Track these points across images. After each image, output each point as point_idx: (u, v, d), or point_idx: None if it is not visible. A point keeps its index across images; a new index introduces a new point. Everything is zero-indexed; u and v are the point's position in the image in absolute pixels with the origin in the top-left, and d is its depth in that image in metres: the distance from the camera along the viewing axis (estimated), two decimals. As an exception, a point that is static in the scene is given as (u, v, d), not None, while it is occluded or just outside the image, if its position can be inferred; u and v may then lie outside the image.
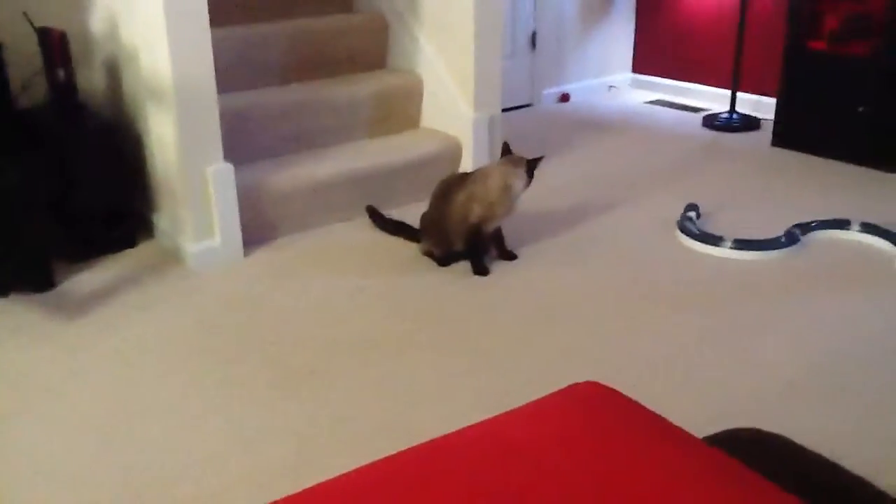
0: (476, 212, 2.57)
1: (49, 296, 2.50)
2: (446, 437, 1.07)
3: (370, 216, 2.96)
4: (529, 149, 3.82)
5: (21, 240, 2.49)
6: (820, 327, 2.28)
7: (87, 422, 1.90)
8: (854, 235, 2.83)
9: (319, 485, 0.99)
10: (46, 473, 1.73)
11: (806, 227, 2.85)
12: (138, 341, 2.25)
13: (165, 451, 1.79)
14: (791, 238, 2.77)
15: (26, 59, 2.74)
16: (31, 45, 2.69)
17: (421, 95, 3.46)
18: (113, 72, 2.91)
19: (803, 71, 3.73)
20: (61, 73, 2.64)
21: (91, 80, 3.00)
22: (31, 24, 2.68)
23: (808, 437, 1.22)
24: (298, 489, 0.98)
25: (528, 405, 1.14)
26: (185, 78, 2.50)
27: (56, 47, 2.61)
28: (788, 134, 3.85)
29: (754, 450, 1.18)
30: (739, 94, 4.38)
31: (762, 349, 2.18)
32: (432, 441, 1.06)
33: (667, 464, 0.99)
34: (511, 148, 2.68)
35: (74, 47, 2.74)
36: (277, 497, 0.97)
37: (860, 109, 3.53)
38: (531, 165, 2.60)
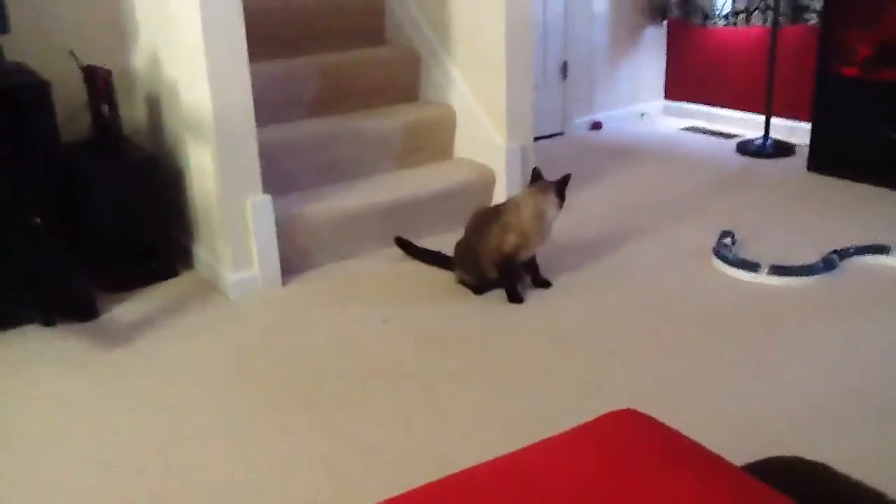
0: (510, 241, 2.59)
1: (92, 326, 2.56)
2: (479, 468, 1.08)
3: (400, 247, 2.98)
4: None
5: (65, 272, 2.55)
6: (858, 353, 2.25)
7: (123, 450, 1.93)
8: (894, 261, 2.80)
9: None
10: (88, 498, 1.76)
11: (844, 253, 2.82)
12: (176, 370, 2.28)
13: (198, 480, 1.81)
14: (829, 264, 2.75)
15: (71, 93, 2.83)
16: (76, 81, 2.78)
17: (453, 126, 3.50)
18: (154, 107, 2.99)
19: (836, 96, 3.71)
20: (105, 109, 2.72)
21: (133, 115, 3.08)
22: (78, 62, 2.77)
23: (845, 464, 1.21)
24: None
25: (564, 433, 1.14)
26: (225, 112, 2.56)
27: (101, 85, 2.70)
28: (823, 159, 3.82)
29: (795, 478, 1.17)
30: (773, 120, 4.36)
31: (800, 376, 2.15)
32: (465, 471, 1.07)
33: (707, 493, 0.99)
34: (541, 173, 2.69)
35: (118, 83, 2.82)
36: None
37: (895, 135, 3.50)
38: (560, 187, 2.61)
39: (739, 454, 1.29)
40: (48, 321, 2.55)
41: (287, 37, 3.49)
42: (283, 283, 2.80)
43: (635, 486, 0.99)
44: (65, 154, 2.70)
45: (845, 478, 1.15)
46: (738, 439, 1.87)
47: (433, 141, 3.46)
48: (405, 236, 3.02)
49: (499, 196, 3.29)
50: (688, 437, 1.12)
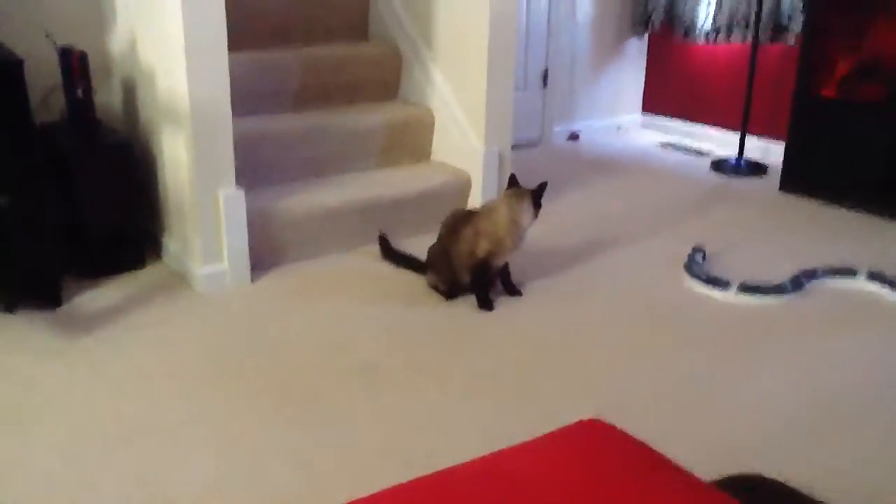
0: (484, 247, 2.58)
1: (56, 313, 2.51)
2: (448, 471, 1.07)
3: (380, 245, 2.97)
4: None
5: (29, 256, 2.50)
6: (822, 372, 2.27)
7: (87, 440, 1.89)
8: (860, 284, 2.84)
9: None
10: (43, 491, 1.72)
11: (812, 274, 2.86)
12: (142, 361, 2.25)
13: (165, 473, 1.78)
14: (796, 284, 2.78)
15: (45, 74, 2.78)
16: (51, 61, 2.73)
17: (432, 128, 3.49)
18: (130, 92, 2.94)
19: (813, 116, 3.75)
20: (79, 92, 2.68)
21: (109, 100, 3.04)
22: (54, 43, 2.72)
23: (806, 481, 1.22)
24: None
25: (532, 441, 1.14)
26: (202, 101, 2.53)
27: (76, 66, 2.65)
28: (796, 180, 3.87)
29: (756, 495, 1.17)
30: (748, 139, 4.41)
31: (765, 392, 2.17)
32: (433, 474, 1.06)
33: (670, 502, 0.98)
34: (518, 180, 2.68)
35: (94, 66, 2.77)
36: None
37: (869, 156, 3.55)
38: (536, 195, 2.61)
39: (706, 467, 1.29)
40: (10, 307, 2.50)
41: (270, 27, 3.46)
42: (254, 279, 2.77)
43: (599, 496, 0.99)
44: (36, 135, 2.65)
45: (805, 497, 1.16)
46: (704, 453, 1.88)
47: (411, 142, 3.45)
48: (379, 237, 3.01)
49: (474, 201, 3.28)
50: (654, 450, 1.12)
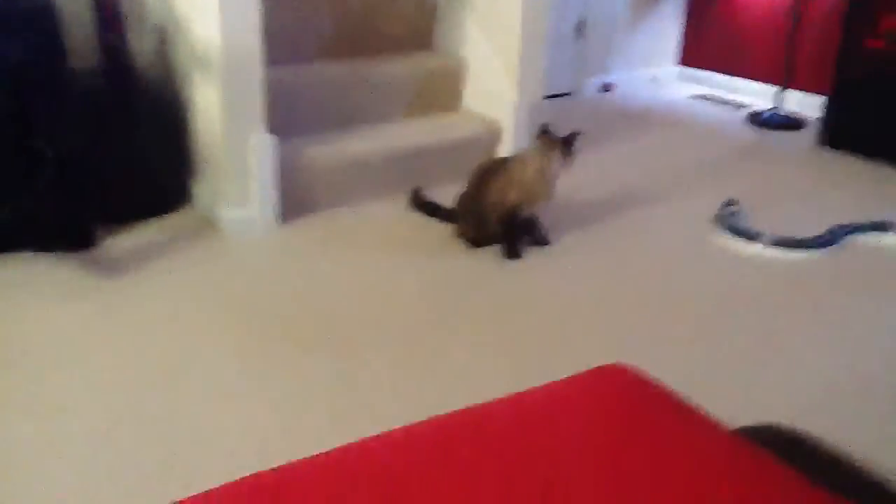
0: (512, 196, 2.57)
1: (90, 255, 2.55)
2: (469, 410, 1.08)
3: (412, 196, 2.97)
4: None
5: (64, 199, 2.54)
6: (857, 329, 2.25)
7: (117, 382, 1.93)
8: (893, 240, 2.78)
9: (337, 449, 1.00)
10: (75, 430, 1.77)
11: (847, 228, 2.81)
12: (170, 305, 2.28)
13: (196, 414, 1.82)
14: (831, 237, 2.73)
15: (79, 20, 2.78)
16: (85, 7, 2.73)
17: (464, 78, 3.46)
18: (163, 38, 2.94)
19: (859, 70, 3.64)
20: (113, 38, 2.68)
21: (142, 46, 3.04)
22: (86, -13, 2.72)
23: (837, 438, 1.21)
24: (324, 449, 0.99)
25: (554, 383, 1.14)
26: (233, 47, 2.52)
27: (109, 12, 2.65)
28: (836, 134, 3.77)
29: (783, 444, 1.17)
30: (789, 92, 4.30)
31: (795, 348, 2.15)
32: (454, 412, 1.07)
33: (691, 448, 0.99)
34: (549, 129, 2.64)
35: (127, 12, 2.77)
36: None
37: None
38: (567, 143, 2.57)
39: (733, 422, 1.29)
40: (46, 247, 2.55)
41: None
42: (282, 225, 2.79)
43: (622, 437, 0.99)
44: (71, 80, 2.67)
45: (829, 447, 1.16)
46: (733, 406, 1.87)
47: (443, 91, 3.42)
48: (409, 186, 3.00)
49: (505, 151, 3.26)
50: (676, 394, 1.12)
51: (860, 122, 3.68)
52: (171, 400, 1.86)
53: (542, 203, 2.63)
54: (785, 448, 1.16)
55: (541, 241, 2.72)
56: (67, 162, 2.52)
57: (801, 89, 4.36)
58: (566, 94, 4.67)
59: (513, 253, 2.62)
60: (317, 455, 0.98)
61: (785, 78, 4.17)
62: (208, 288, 2.38)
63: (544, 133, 2.61)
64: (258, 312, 2.26)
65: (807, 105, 4.31)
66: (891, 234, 2.80)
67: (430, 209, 2.91)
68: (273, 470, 0.96)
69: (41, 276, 2.42)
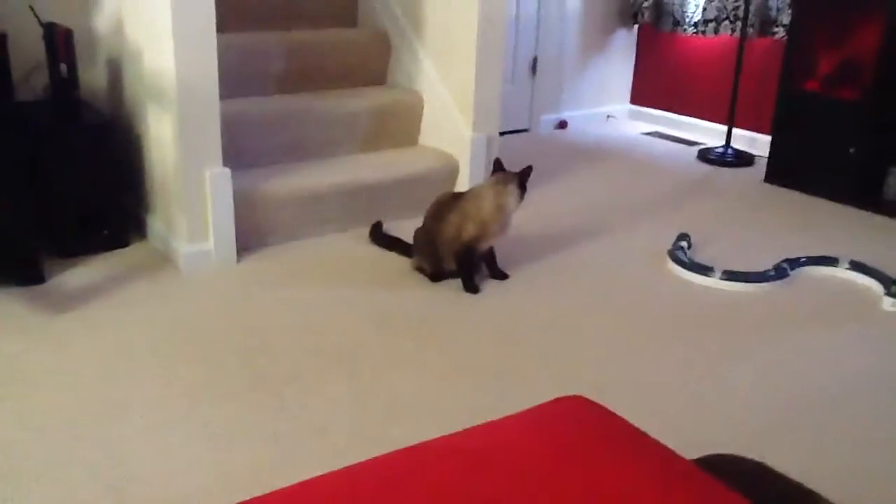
0: (469, 231, 2.58)
1: (37, 290, 2.49)
2: (419, 446, 1.07)
3: (371, 230, 2.97)
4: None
5: (9, 234, 2.48)
6: (804, 361, 2.29)
7: (63, 417, 1.88)
8: (842, 273, 2.86)
9: (291, 486, 0.98)
10: (18, 466, 1.71)
11: (795, 263, 2.88)
12: (121, 339, 2.24)
13: (140, 451, 1.77)
14: (780, 272, 2.79)
15: (29, 51, 2.75)
16: (35, 38, 2.70)
17: (420, 113, 3.49)
18: (116, 70, 2.92)
19: (797, 111, 3.78)
20: (64, 69, 2.65)
21: (93, 78, 3.01)
22: (38, 18, 2.69)
23: (785, 467, 1.23)
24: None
25: (511, 416, 1.14)
26: (189, 80, 2.51)
27: (60, 43, 2.62)
28: (781, 171, 3.89)
29: (735, 474, 1.18)
30: (735, 130, 4.43)
31: (744, 379, 2.18)
32: (405, 449, 1.06)
33: (649, 479, 0.99)
34: (503, 164, 2.68)
35: (79, 44, 2.75)
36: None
37: (851, 151, 3.58)
38: (522, 179, 2.60)
39: (684, 451, 1.30)
40: (-9, 282, 2.48)
41: (258, 10, 3.44)
42: (238, 259, 2.76)
43: (580, 469, 0.99)
44: (19, 112, 2.62)
45: (783, 476, 1.17)
46: (684, 437, 1.90)
47: (399, 126, 3.44)
48: (366, 221, 3.00)
49: (462, 186, 3.28)
50: (635, 427, 1.12)
51: (801, 160, 3.80)
52: (116, 436, 1.81)
53: (497, 237, 2.64)
54: (740, 478, 1.17)
55: (498, 275, 2.73)
56: (14, 195, 2.47)
57: (745, 128, 4.49)
58: (523, 131, 4.74)
59: (471, 287, 2.63)
60: (268, 494, 0.96)
61: (731, 116, 4.29)
62: (160, 323, 2.33)
63: (498, 168, 2.64)
64: (211, 348, 2.22)
65: (756, 143, 4.44)
66: (836, 267, 2.87)
67: (389, 243, 2.91)
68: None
69: (-14, 312, 2.35)
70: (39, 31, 2.68)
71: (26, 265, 2.52)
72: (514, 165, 2.73)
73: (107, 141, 2.72)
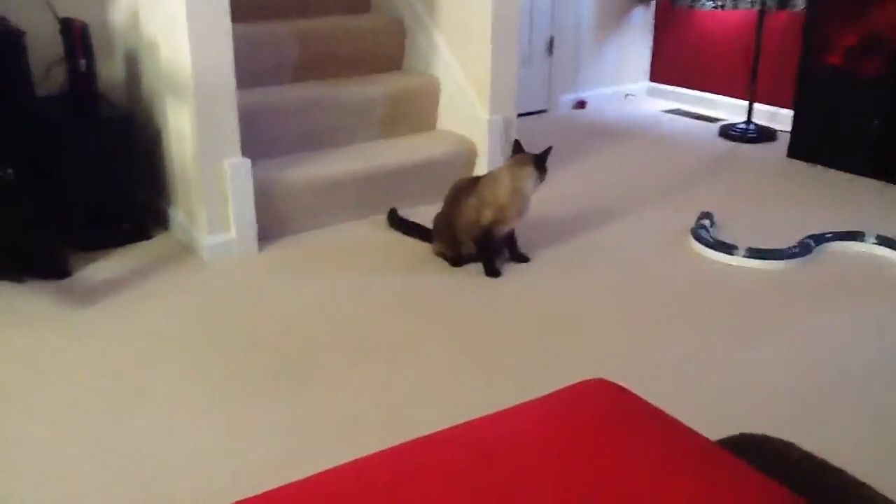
0: (488, 216, 2.57)
1: (63, 284, 2.52)
2: (442, 433, 1.07)
3: (389, 216, 2.98)
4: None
5: (34, 228, 2.51)
6: (831, 337, 2.27)
7: (91, 409, 1.91)
8: (868, 248, 2.82)
9: (311, 477, 0.98)
10: (47, 457, 1.74)
11: (820, 238, 2.84)
12: (146, 331, 2.26)
13: (161, 443, 1.79)
14: (805, 248, 2.76)
15: (48, 47, 2.76)
16: (53, 34, 2.72)
17: (437, 97, 3.47)
18: (133, 64, 2.93)
19: (819, 84, 3.72)
20: (82, 64, 2.67)
21: (111, 72, 3.02)
22: (55, 13, 2.71)
23: (811, 445, 1.22)
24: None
25: (534, 400, 1.14)
26: (205, 71, 2.51)
27: (77, 38, 2.64)
28: (804, 146, 3.84)
29: (762, 454, 1.17)
30: (756, 106, 4.37)
31: (772, 357, 2.17)
32: (427, 436, 1.06)
33: (674, 461, 0.99)
34: (522, 146, 2.66)
35: (96, 38, 2.76)
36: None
37: (875, 122, 3.52)
38: (540, 160, 2.58)
39: (711, 432, 1.29)
40: (18, 278, 2.51)
41: (272, 0, 3.43)
42: (260, 248, 2.78)
43: (604, 452, 0.99)
44: (39, 107, 2.65)
45: (809, 455, 1.16)
46: (709, 418, 1.89)
47: (416, 111, 3.43)
48: (385, 207, 3.00)
49: (480, 169, 3.27)
50: (657, 407, 1.12)
51: (823, 134, 3.74)
52: (142, 428, 1.83)
53: (516, 220, 2.63)
54: (765, 458, 1.17)
55: (519, 258, 2.72)
56: (36, 190, 2.50)
57: (766, 103, 4.43)
58: (541, 112, 4.71)
59: (491, 271, 2.63)
60: (293, 483, 0.97)
61: (751, 93, 4.23)
62: (186, 314, 2.35)
63: (518, 150, 2.63)
64: (236, 338, 2.23)
65: (778, 118, 4.38)
66: (862, 242, 2.83)
67: (409, 228, 2.91)
68: (254, 498, 0.94)
69: (14, 306, 2.38)
70: (57, 26, 2.69)
71: (51, 260, 2.54)
72: (533, 147, 2.72)
73: (126, 134, 2.74)
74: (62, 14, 2.72)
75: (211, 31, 2.49)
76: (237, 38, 2.63)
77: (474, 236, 2.61)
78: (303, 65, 3.32)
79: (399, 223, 2.94)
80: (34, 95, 2.54)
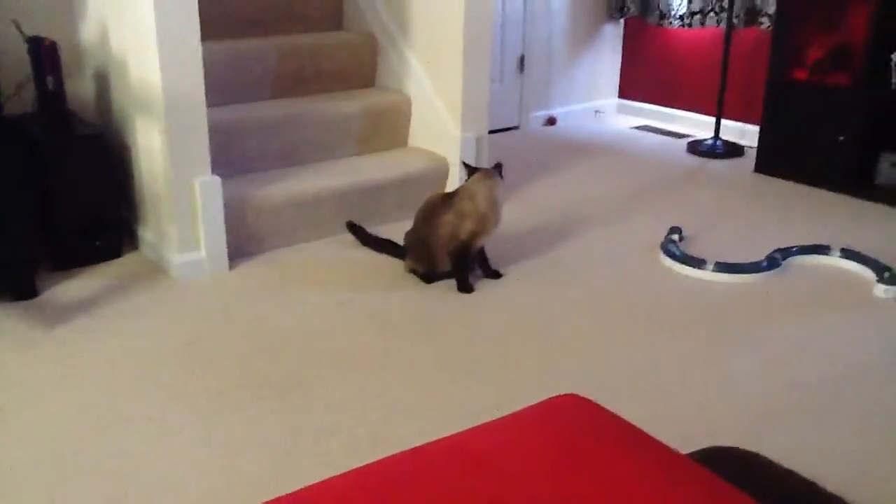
0: (468, 227, 2.59)
1: (31, 304, 2.49)
2: (420, 448, 1.07)
3: (351, 231, 2.98)
4: (516, 170, 3.85)
5: (4, 247, 2.48)
6: (798, 350, 2.30)
7: (64, 430, 1.88)
8: (834, 261, 2.87)
9: (297, 492, 0.98)
10: (21, 481, 1.71)
11: (787, 252, 2.89)
12: (119, 351, 2.23)
13: (142, 462, 1.78)
14: (772, 262, 2.80)
15: (16, 65, 2.74)
16: (22, 52, 2.70)
17: (409, 114, 3.49)
18: (102, 82, 2.91)
19: (786, 100, 3.79)
20: (50, 82, 2.65)
21: (80, 90, 3.00)
22: (21, 32, 2.69)
23: (783, 457, 1.24)
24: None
25: (506, 417, 1.14)
26: (175, 89, 2.51)
27: (46, 56, 2.62)
28: (771, 161, 3.91)
29: (732, 467, 1.19)
30: (724, 122, 4.44)
31: (740, 370, 2.19)
32: (406, 452, 1.06)
33: (645, 475, 0.99)
34: (470, 164, 2.74)
35: (65, 56, 2.74)
36: None
37: (841, 138, 3.59)
38: (499, 173, 2.66)
39: (682, 444, 1.31)
40: (-16, 298, 2.48)
41: (246, 16, 3.44)
42: (232, 266, 2.76)
43: (576, 468, 1.00)
44: (8, 125, 2.62)
45: (779, 467, 1.18)
46: (682, 430, 1.90)
47: (389, 128, 3.44)
48: (359, 223, 3.00)
49: (452, 186, 3.28)
50: (628, 422, 1.13)
51: (790, 149, 3.81)
52: (119, 449, 1.81)
53: (493, 231, 2.65)
54: (736, 470, 1.18)
55: (492, 274, 2.74)
56: (5, 209, 2.46)
57: (734, 119, 4.50)
58: (512, 129, 4.75)
59: (465, 287, 2.64)
60: (273, 500, 0.97)
61: (719, 107, 4.30)
62: (156, 333, 2.33)
63: (472, 168, 2.68)
64: (207, 358, 2.22)
65: (745, 134, 4.45)
66: (828, 256, 2.88)
67: (381, 245, 2.91)
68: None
69: (-20, 328, 2.34)
70: (25, 45, 2.67)
71: (18, 280, 2.51)
72: (504, 162, 2.75)
73: (97, 152, 2.72)
74: (30, 33, 2.70)
75: (181, 50, 2.49)
76: (214, 55, 2.63)
77: (451, 250, 2.62)
78: (278, 81, 3.32)
79: (369, 240, 2.94)
80: (2, 114, 2.51)
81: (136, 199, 2.88)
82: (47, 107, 2.69)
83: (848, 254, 2.85)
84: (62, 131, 2.71)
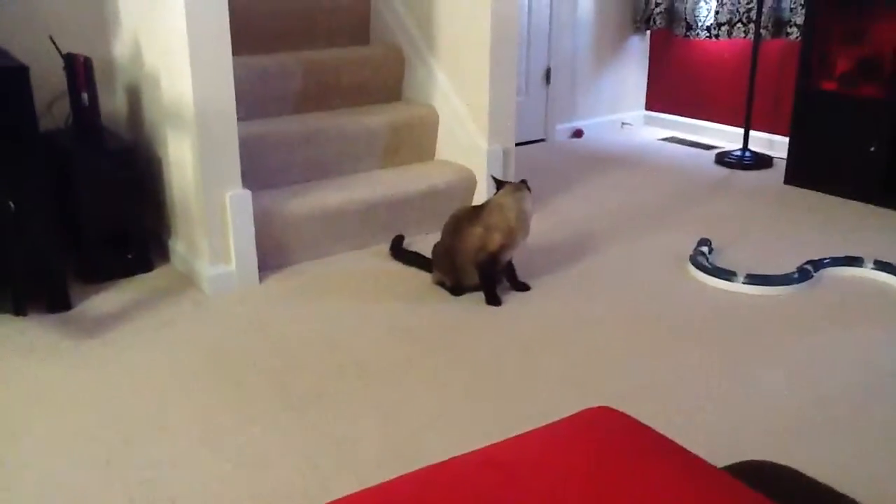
0: (496, 240, 2.59)
1: (64, 316, 2.52)
2: (451, 461, 1.07)
3: (392, 245, 3.01)
4: (543, 182, 3.85)
5: (37, 260, 2.52)
6: (830, 362, 2.27)
7: (95, 441, 1.90)
8: (867, 273, 2.83)
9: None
10: (51, 490, 1.73)
11: (818, 264, 2.85)
12: (149, 363, 2.26)
13: (171, 473, 1.79)
14: (804, 274, 2.77)
15: (51, 81, 2.79)
16: (56, 68, 2.75)
17: (436, 127, 3.50)
18: (135, 97, 2.96)
19: (815, 111, 3.76)
20: (84, 97, 2.69)
21: (113, 105, 3.05)
22: (58, 49, 2.74)
23: (814, 470, 1.22)
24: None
25: (537, 429, 1.14)
26: (206, 103, 2.54)
27: (80, 72, 2.67)
28: (800, 172, 3.87)
29: (766, 481, 1.17)
30: (752, 133, 4.41)
31: (772, 382, 2.17)
32: (437, 465, 1.06)
33: (683, 489, 0.99)
34: (497, 178, 2.74)
35: (98, 72, 2.79)
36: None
37: (871, 149, 3.55)
38: (526, 187, 2.67)
39: (711, 458, 1.29)
40: (19, 310, 2.51)
41: (272, 32, 3.48)
42: (261, 279, 2.78)
43: (612, 480, 0.99)
44: (43, 141, 2.66)
45: (815, 482, 1.16)
46: (712, 444, 1.88)
47: (416, 141, 3.46)
48: (386, 237, 3.02)
49: (479, 198, 3.29)
50: (661, 434, 1.12)
51: (820, 161, 3.78)
52: (148, 461, 1.83)
53: (521, 243, 2.65)
54: (772, 485, 1.17)
55: (520, 286, 2.73)
56: (39, 223, 2.51)
57: (763, 130, 4.47)
58: (538, 141, 4.75)
59: (493, 299, 2.63)
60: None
61: (747, 118, 4.27)
62: (187, 346, 2.36)
63: (499, 181, 2.69)
64: (238, 369, 2.23)
65: (774, 145, 4.41)
66: (861, 268, 2.85)
67: (409, 258, 2.92)
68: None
69: (17, 338, 2.38)
70: (60, 61, 2.73)
71: (53, 292, 2.55)
72: (531, 175, 2.76)
73: (129, 166, 2.76)
74: (65, 49, 2.75)
75: (212, 65, 2.52)
76: (241, 70, 2.66)
77: (479, 263, 2.62)
78: (306, 95, 3.35)
79: (400, 253, 2.96)
80: (37, 130, 2.56)
81: (167, 212, 2.92)
82: (81, 122, 2.73)
83: (881, 265, 2.81)
84: (97, 146, 2.75)
